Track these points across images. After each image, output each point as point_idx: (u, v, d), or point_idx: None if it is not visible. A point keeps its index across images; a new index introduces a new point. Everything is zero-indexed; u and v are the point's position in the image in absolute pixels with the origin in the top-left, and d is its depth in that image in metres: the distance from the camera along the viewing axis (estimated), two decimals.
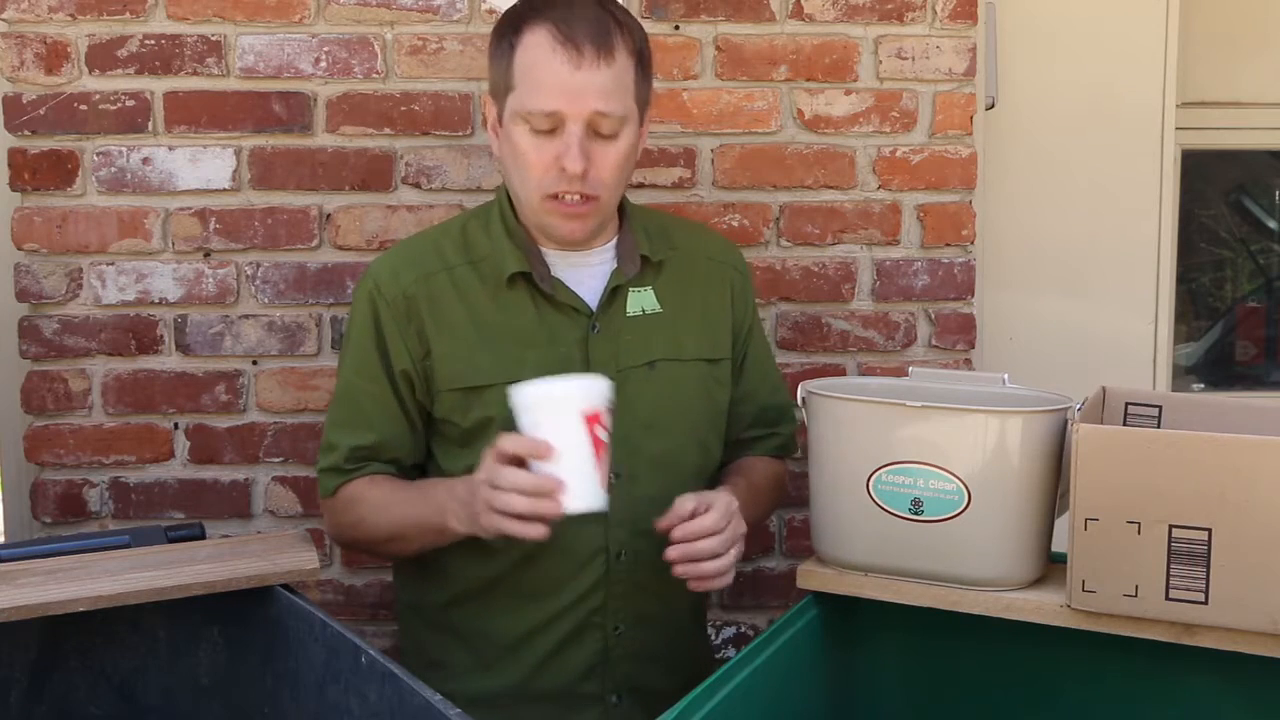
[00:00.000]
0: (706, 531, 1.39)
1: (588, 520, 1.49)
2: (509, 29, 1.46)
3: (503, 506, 1.30)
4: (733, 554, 1.42)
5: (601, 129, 1.43)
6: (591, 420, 1.30)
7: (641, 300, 1.55)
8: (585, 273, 1.54)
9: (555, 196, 1.45)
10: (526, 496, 1.30)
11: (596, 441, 1.30)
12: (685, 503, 1.42)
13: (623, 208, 1.58)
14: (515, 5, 1.49)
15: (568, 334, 1.51)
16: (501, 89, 1.47)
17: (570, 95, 1.40)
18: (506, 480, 1.30)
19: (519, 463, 1.31)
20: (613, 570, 1.51)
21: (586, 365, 1.50)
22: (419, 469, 1.58)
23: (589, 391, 1.31)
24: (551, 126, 1.42)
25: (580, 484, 1.30)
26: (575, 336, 1.51)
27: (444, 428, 1.53)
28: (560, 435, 1.29)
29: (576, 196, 1.44)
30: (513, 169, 1.48)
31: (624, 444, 1.51)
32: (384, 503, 1.51)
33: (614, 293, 1.53)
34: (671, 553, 1.40)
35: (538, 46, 1.41)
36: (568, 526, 1.48)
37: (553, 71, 1.40)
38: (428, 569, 1.56)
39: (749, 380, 1.66)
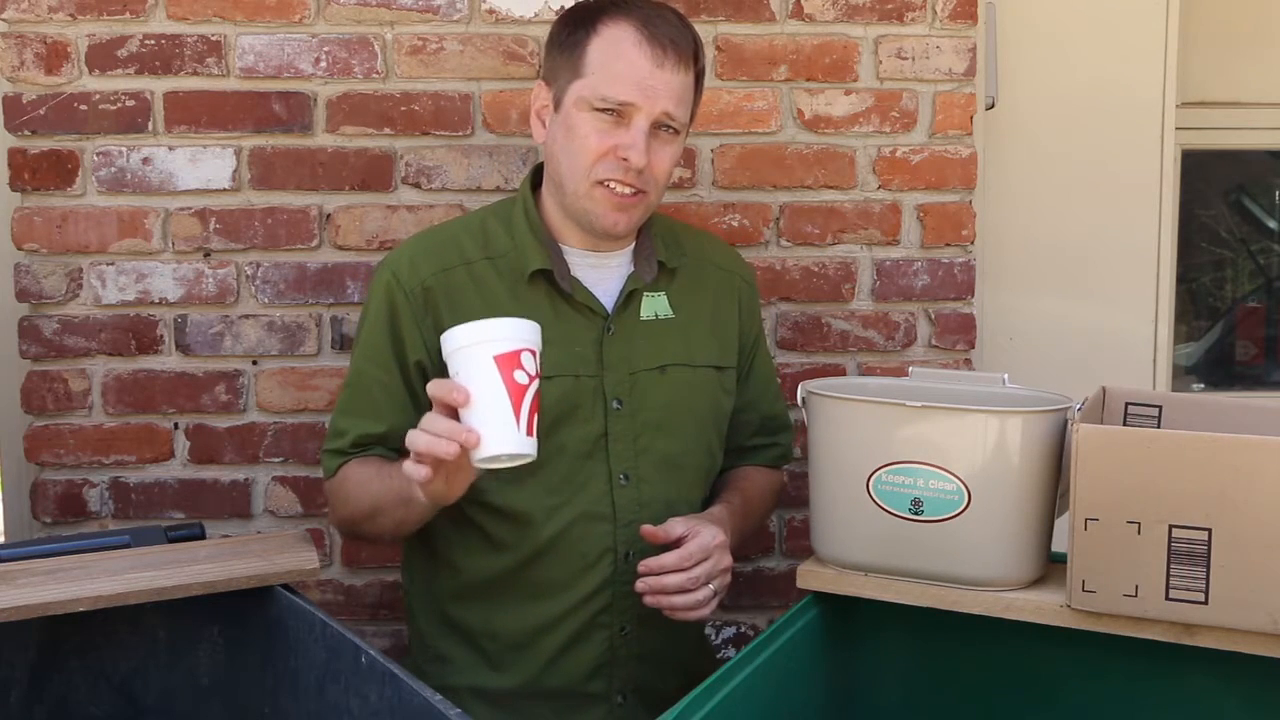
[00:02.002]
0: (671, 568, 1.41)
1: (597, 520, 1.50)
2: (584, 19, 1.48)
3: (410, 443, 1.27)
4: (710, 588, 1.44)
5: (663, 131, 1.46)
6: (506, 362, 1.25)
7: (655, 305, 1.56)
8: (603, 274, 1.55)
9: (604, 184, 1.46)
10: (430, 435, 1.25)
11: (512, 385, 1.25)
12: (675, 526, 1.45)
13: None
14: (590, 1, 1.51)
15: (583, 334, 1.52)
16: (566, 75, 1.48)
17: (647, 90, 1.44)
18: (425, 422, 1.27)
19: (452, 412, 1.27)
20: (620, 571, 1.51)
21: (600, 365, 1.51)
22: None
23: (503, 333, 1.26)
24: (619, 117, 1.44)
25: (495, 430, 1.24)
26: (590, 337, 1.52)
27: None
28: (473, 380, 1.25)
29: (629, 189, 1.46)
30: (564, 152, 1.48)
31: (633, 444, 1.52)
32: (367, 478, 1.50)
33: (629, 296, 1.54)
34: (639, 585, 1.43)
35: (622, 40, 1.44)
36: (577, 526, 1.50)
37: (635, 65, 1.43)
38: (437, 562, 1.57)
39: (754, 389, 1.68)
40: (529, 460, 1.28)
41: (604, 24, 1.46)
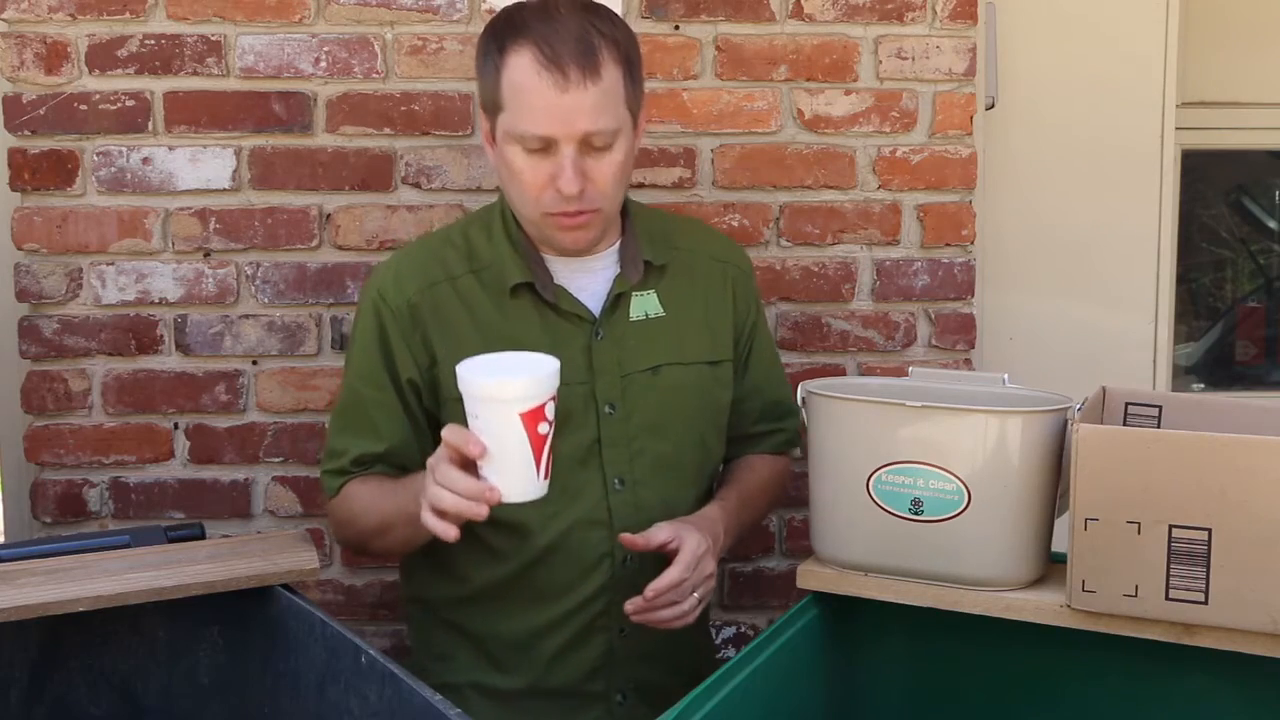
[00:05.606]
0: (668, 588, 1.40)
1: (594, 526, 1.51)
2: (493, 45, 1.44)
3: (433, 501, 1.28)
4: (694, 597, 1.43)
5: (595, 144, 1.42)
6: (531, 417, 1.25)
7: (644, 304, 1.56)
8: (588, 279, 1.54)
9: (552, 214, 1.45)
10: (456, 496, 1.27)
11: (535, 439, 1.26)
12: (657, 533, 1.44)
13: (625, 210, 1.58)
14: (497, 19, 1.47)
15: (572, 341, 1.51)
16: (491, 106, 1.46)
17: (560, 119, 1.39)
18: (443, 477, 1.28)
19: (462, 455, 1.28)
20: (617, 574, 1.51)
21: (591, 371, 1.51)
22: None
23: (531, 390, 1.25)
24: (544, 147, 1.41)
25: (515, 481, 1.27)
26: (579, 344, 1.51)
27: None
28: (496, 435, 1.26)
29: (576, 210, 1.44)
30: (510, 186, 1.48)
31: (627, 449, 1.52)
32: (373, 497, 1.51)
33: (617, 299, 1.54)
34: (629, 606, 1.42)
35: (523, 70, 1.39)
36: (574, 533, 1.50)
37: (540, 96, 1.39)
38: (437, 567, 1.56)
39: (754, 376, 1.66)
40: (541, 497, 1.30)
41: (508, 53, 1.41)
